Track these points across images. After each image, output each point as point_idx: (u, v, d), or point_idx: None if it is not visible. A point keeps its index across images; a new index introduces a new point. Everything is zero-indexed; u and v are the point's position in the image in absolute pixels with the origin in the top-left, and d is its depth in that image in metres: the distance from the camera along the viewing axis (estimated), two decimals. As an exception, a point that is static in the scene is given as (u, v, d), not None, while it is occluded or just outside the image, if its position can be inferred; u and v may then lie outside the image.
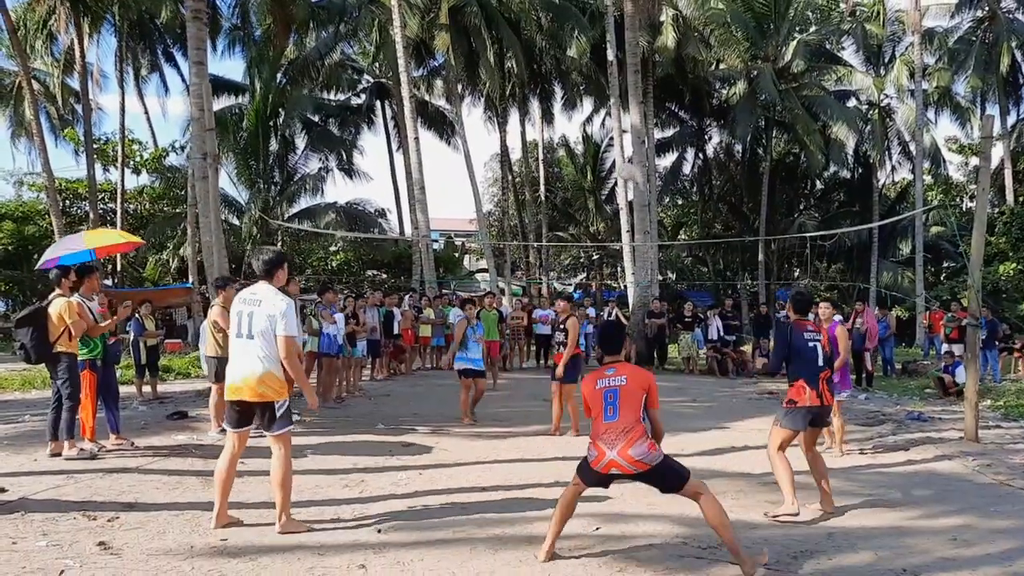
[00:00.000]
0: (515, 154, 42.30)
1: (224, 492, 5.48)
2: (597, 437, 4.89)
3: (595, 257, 46.02)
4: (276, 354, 5.36)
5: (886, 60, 32.74)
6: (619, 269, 38.32)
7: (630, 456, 4.74)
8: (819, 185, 40.17)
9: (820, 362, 6.31)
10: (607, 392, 4.93)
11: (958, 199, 40.28)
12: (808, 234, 27.21)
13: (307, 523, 5.61)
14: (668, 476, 4.90)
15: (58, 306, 7.76)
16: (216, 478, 5.49)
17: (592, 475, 4.96)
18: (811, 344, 6.38)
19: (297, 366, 5.50)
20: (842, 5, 35.78)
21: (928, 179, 34.64)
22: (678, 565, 4.94)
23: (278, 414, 5.40)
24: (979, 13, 32.92)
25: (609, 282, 43.16)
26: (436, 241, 37.27)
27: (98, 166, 31.59)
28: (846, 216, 34.69)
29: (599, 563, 4.94)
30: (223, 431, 9.05)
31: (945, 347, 16.51)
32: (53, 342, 7.69)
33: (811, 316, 6.78)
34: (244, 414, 5.49)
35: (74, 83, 33.08)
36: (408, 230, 34.05)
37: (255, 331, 5.37)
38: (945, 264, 36.70)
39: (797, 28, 32.64)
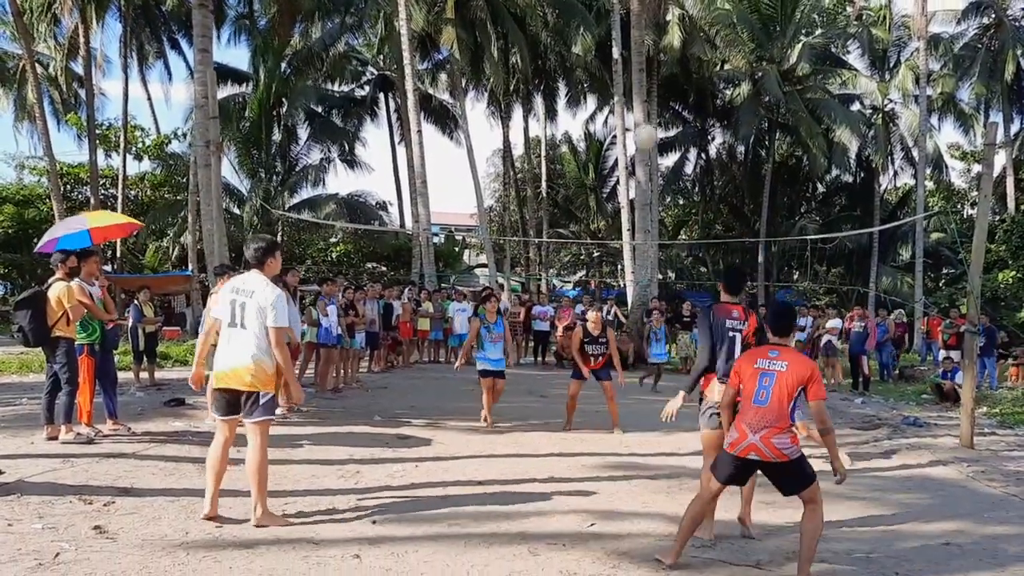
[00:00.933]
0: (517, 150, 42.34)
1: (216, 481, 5.45)
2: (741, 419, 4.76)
3: (595, 255, 46.04)
4: (267, 345, 5.33)
5: (891, 65, 32.74)
6: (619, 267, 38.37)
7: (772, 444, 4.63)
8: (821, 188, 40.20)
9: (738, 354, 5.45)
10: (763, 375, 4.74)
11: (959, 206, 40.34)
12: (809, 237, 27.22)
13: (286, 516, 5.55)
14: (800, 476, 4.76)
15: (57, 290, 7.75)
16: (208, 467, 5.47)
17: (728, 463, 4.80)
18: (731, 334, 5.66)
19: (287, 357, 5.45)
20: (848, 9, 35.77)
21: (930, 185, 34.66)
22: (677, 567, 4.95)
23: (261, 402, 5.35)
24: (985, 20, 32.93)
25: (608, 280, 43.17)
26: (437, 235, 37.24)
27: (100, 151, 31.54)
28: (847, 220, 34.68)
29: (593, 559, 4.95)
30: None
31: (943, 353, 16.53)
32: (51, 326, 7.69)
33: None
34: (232, 403, 5.43)
35: (78, 68, 33.00)
36: (409, 223, 34.05)
37: (247, 322, 5.35)
38: (945, 270, 36.72)
39: (803, 31, 32.64)
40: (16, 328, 7.75)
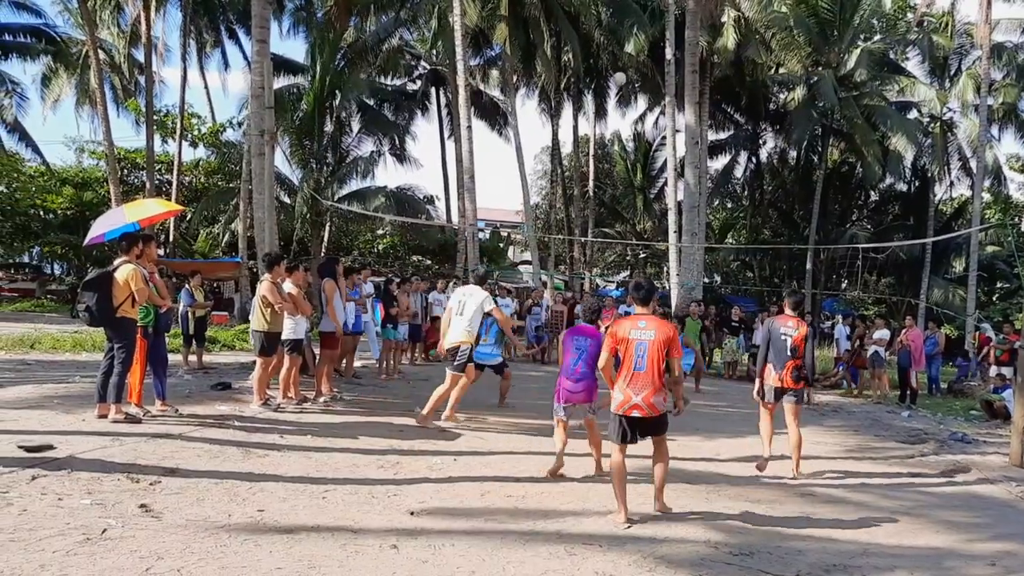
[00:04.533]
0: (566, 148, 42.21)
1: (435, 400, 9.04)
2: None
3: (640, 256, 45.76)
4: (475, 326, 8.97)
5: (951, 73, 31.95)
6: (664, 269, 38.08)
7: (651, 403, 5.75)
8: (874, 196, 39.42)
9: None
10: (638, 344, 5.77)
11: (1017, 219, 39.28)
12: (859, 245, 26.73)
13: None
14: (663, 424, 5.93)
15: (125, 272, 7.95)
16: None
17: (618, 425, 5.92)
18: (783, 338, 7.79)
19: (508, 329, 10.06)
20: (909, 15, 35.02)
21: (987, 197, 33.83)
22: (708, 571, 4.92)
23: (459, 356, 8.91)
24: (1052, 29, 31.97)
25: (655, 282, 42.91)
26: (482, 231, 37.34)
27: (157, 137, 32.18)
28: (899, 230, 33.99)
29: (628, 562, 4.94)
30: (265, 404, 9.28)
31: (994, 369, 16.15)
32: (117, 306, 7.89)
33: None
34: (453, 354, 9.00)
35: (139, 55, 33.75)
36: (455, 218, 34.17)
37: (465, 312, 8.89)
38: (999, 284, 35.83)
39: (862, 36, 32.02)
40: (83, 307, 7.94)
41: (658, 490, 6.04)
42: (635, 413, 5.75)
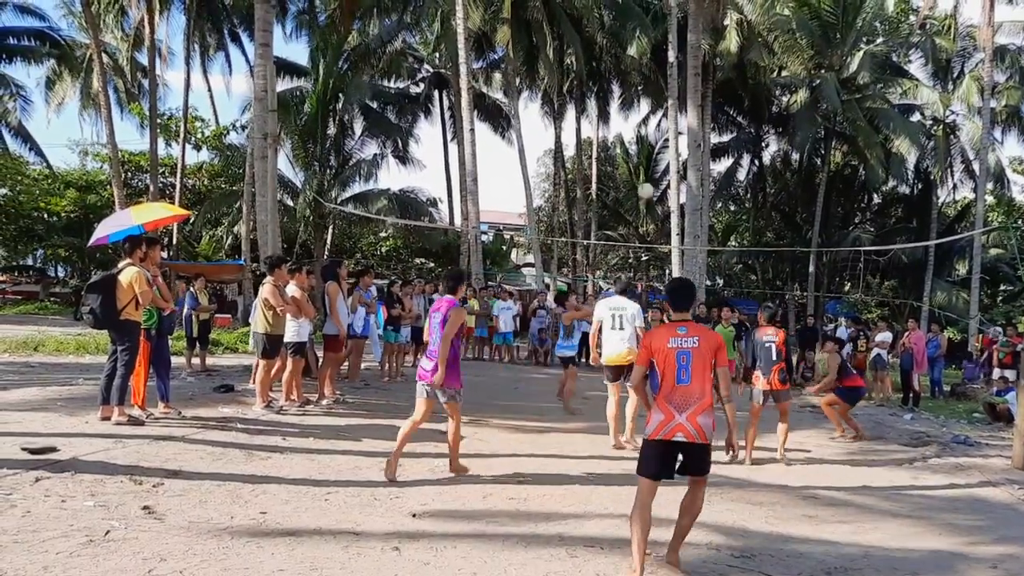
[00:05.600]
0: (569, 151, 42.25)
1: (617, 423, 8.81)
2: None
3: (643, 258, 45.74)
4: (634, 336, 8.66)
5: (954, 76, 31.94)
6: (666, 272, 38.08)
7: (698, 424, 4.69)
8: (876, 199, 39.40)
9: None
10: (680, 353, 4.82)
11: (1020, 221, 39.22)
12: (862, 248, 26.71)
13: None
14: (707, 458, 4.83)
15: (130, 275, 7.97)
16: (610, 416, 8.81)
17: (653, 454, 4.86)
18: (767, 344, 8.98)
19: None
20: (912, 18, 34.99)
21: (990, 199, 33.78)
22: (709, 574, 4.93)
23: None
24: (1054, 32, 31.94)
25: (656, 284, 42.85)
26: (485, 233, 37.37)
27: (160, 140, 32.26)
28: (902, 232, 33.94)
29: (631, 564, 4.93)
30: (268, 406, 9.30)
31: (997, 372, 16.13)
32: (120, 309, 7.91)
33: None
34: (617, 373, 8.85)
35: (142, 58, 33.81)
36: (458, 220, 34.20)
37: (624, 324, 8.77)
38: (1002, 287, 35.78)
39: (864, 38, 31.99)
40: (87, 310, 7.97)
41: (677, 540, 4.98)
42: (679, 436, 4.69)
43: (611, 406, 8.91)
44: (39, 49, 32.17)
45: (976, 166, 30.56)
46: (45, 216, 34.59)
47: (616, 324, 8.84)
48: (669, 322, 5.10)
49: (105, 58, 30.26)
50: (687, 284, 5.44)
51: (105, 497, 5.44)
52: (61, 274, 41.86)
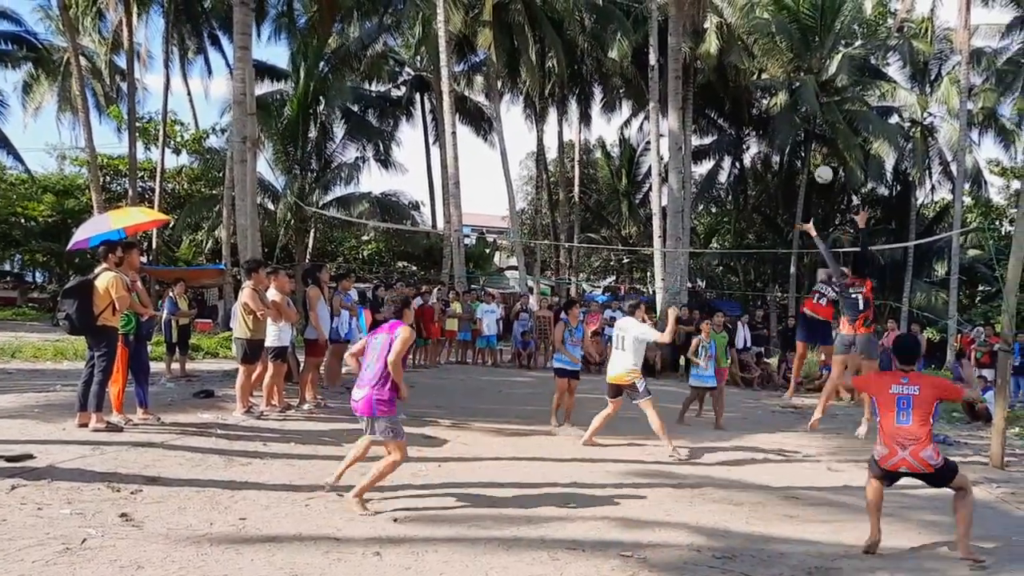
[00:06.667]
0: (551, 154, 42.31)
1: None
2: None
3: (625, 261, 45.89)
4: (638, 358, 8.93)
5: (931, 78, 32.27)
6: (649, 274, 38.21)
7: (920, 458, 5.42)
8: (856, 201, 39.72)
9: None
10: (900, 399, 5.56)
11: (997, 222, 39.60)
12: (842, 249, 26.83)
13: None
14: (947, 474, 5.51)
15: (106, 280, 7.88)
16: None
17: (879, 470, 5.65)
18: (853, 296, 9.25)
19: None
20: (890, 21, 35.32)
21: (968, 200, 34.11)
22: (691, 574, 4.93)
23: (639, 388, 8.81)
24: (1029, 35, 32.30)
25: (638, 286, 43.00)
26: (468, 236, 37.34)
27: (139, 144, 31.99)
28: (882, 234, 34.18)
29: (612, 567, 4.94)
30: (248, 412, 9.24)
31: (977, 371, 16.26)
32: (97, 315, 7.82)
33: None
34: (616, 391, 9.01)
35: (121, 61, 33.55)
36: (440, 223, 34.16)
37: (626, 346, 8.92)
38: (980, 288, 36.12)
39: (843, 41, 32.29)
40: (63, 315, 7.88)
41: (959, 529, 5.59)
42: (903, 469, 5.51)
43: (601, 415, 9.08)
44: (15, 53, 31.88)
45: (954, 168, 30.88)
46: (23, 221, 34.15)
47: (619, 345, 9.10)
48: (895, 370, 5.84)
49: (83, 61, 30.01)
50: (914, 343, 6.26)
51: (82, 505, 5.39)
52: (39, 279, 41.40)
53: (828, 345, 10.48)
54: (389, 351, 5.88)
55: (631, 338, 8.96)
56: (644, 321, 9.30)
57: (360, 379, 6.04)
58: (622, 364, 9.00)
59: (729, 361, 13.92)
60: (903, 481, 5.49)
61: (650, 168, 32.04)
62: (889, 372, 5.98)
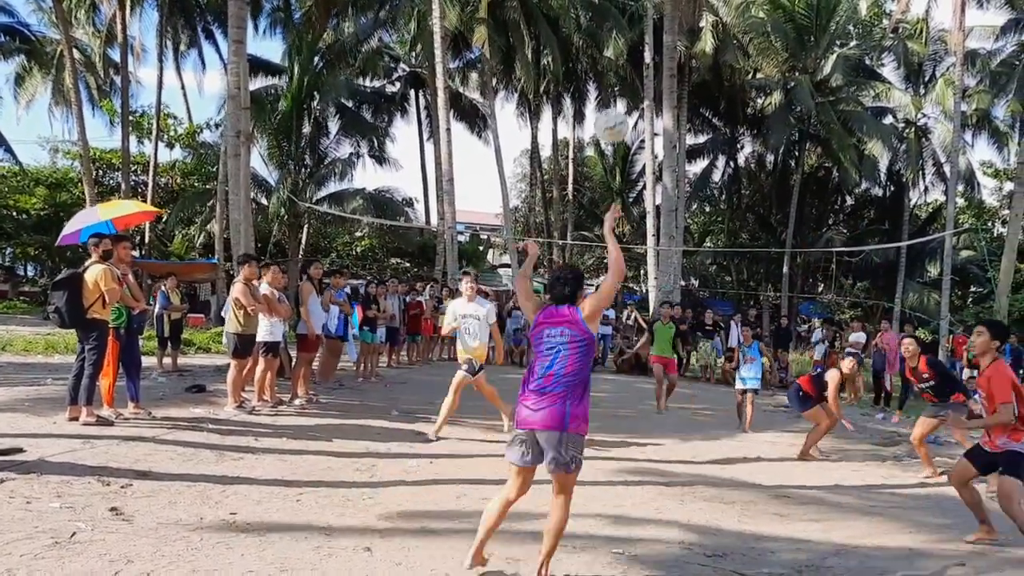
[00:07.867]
0: (545, 151, 42.31)
1: None
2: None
3: (619, 259, 45.86)
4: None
5: (926, 79, 32.33)
6: (642, 272, 38.21)
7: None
8: (849, 201, 39.83)
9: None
10: None
11: (990, 224, 39.76)
12: (835, 249, 26.95)
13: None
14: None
15: (95, 272, 7.84)
16: None
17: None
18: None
19: None
20: (885, 21, 35.38)
21: (961, 202, 34.23)
22: (681, 572, 4.93)
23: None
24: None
25: (631, 285, 43.02)
26: (461, 233, 37.30)
27: (132, 138, 31.92)
28: (875, 234, 34.28)
29: (603, 563, 4.95)
30: (240, 406, 9.21)
31: (967, 372, 16.32)
32: (87, 308, 7.78)
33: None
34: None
35: (114, 54, 33.43)
36: (434, 220, 34.13)
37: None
38: (972, 288, 36.25)
39: (838, 41, 32.29)
40: (52, 309, 7.83)
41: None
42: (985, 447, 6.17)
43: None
44: (8, 45, 31.74)
45: (947, 169, 30.90)
46: (14, 214, 34.03)
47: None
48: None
49: (76, 54, 29.88)
50: None
51: (72, 498, 5.35)
52: (31, 273, 41.24)
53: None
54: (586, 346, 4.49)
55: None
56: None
57: (538, 385, 4.54)
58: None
59: (686, 349, 14.51)
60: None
61: (644, 167, 32.04)
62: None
